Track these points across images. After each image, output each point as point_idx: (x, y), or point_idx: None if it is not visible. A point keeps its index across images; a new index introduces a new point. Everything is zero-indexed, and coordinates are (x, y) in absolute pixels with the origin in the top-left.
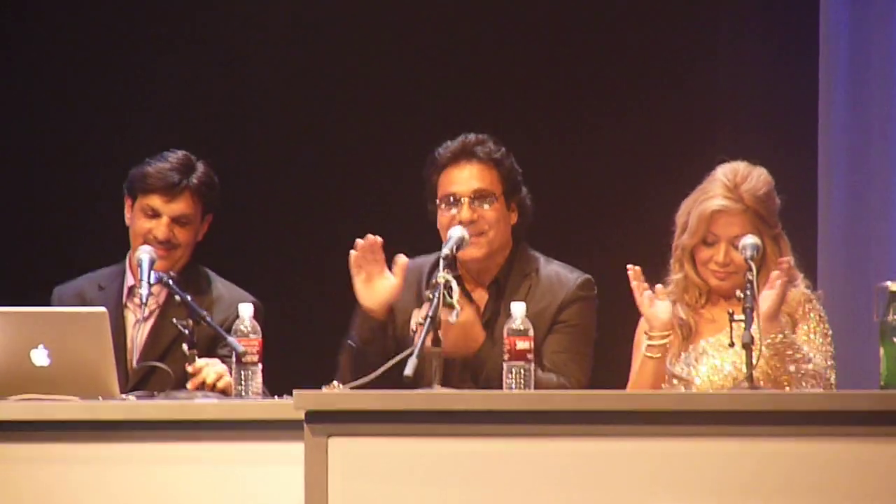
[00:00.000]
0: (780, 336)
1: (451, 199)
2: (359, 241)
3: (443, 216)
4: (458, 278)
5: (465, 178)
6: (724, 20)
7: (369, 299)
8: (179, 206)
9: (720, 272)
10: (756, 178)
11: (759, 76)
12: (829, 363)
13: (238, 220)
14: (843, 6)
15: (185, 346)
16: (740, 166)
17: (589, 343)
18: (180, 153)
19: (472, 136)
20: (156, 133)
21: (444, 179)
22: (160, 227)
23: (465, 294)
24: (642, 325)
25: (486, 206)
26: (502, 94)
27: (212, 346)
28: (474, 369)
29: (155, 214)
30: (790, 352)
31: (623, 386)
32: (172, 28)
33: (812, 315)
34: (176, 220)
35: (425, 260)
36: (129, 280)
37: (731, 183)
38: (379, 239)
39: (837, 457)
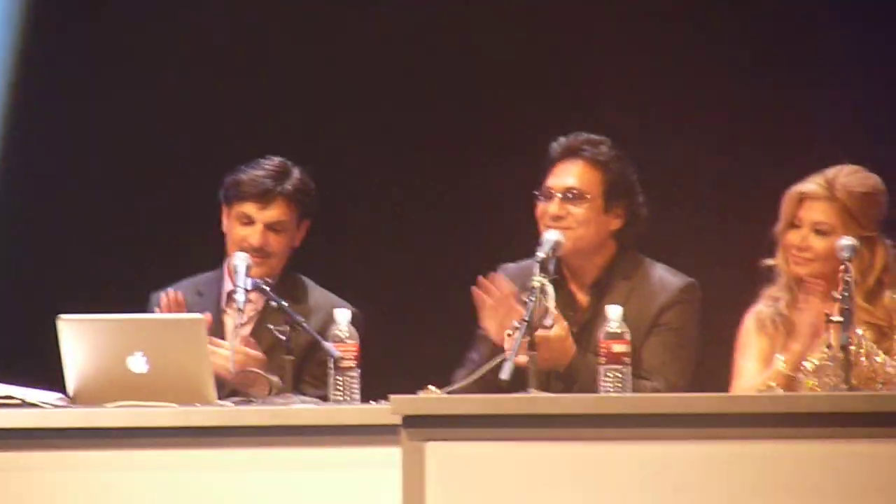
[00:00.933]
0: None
1: (548, 192)
2: (491, 288)
3: (538, 207)
4: (555, 282)
5: (563, 175)
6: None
7: (497, 334)
8: (273, 213)
9: (797, 257)
10: (859, 177)
11: (863, 77)
12: None
13: (335, 226)
14: None
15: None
16: (849, 166)
17: (689, 346)
18: (276, 160)
19: (583, 136)
20: (254, 139)
21: (549, 173)
22: (254, 234)
23: (569, 296)
24: (747, 324)
25: (577, 205)
26: (620, 96)
27: (309, 352)
28: (567, 380)
29: (249, 221)
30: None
31: (723, 389)
32: (271, 33)
33: None
34: (270, 227)
35: (528, 263)
36: (228, 285)
37: (830, 175)
38: (513, 289)
39: None
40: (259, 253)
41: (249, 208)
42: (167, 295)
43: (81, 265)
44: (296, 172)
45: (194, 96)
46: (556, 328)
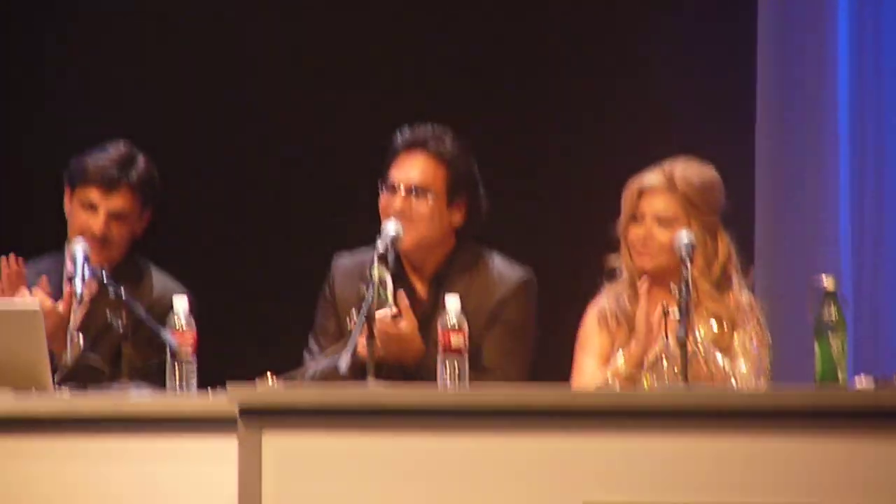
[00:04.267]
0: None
1: (392, 186)
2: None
3: (382, 201)
4: (395, 275)
5: (407, 168)
6: (662, 16)
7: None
8: (117, 202)
9: (642, 250)
10: (695, 169)
11: (697, 72)
12: (761, 371)
13: (177, 211)
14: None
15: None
16: (684, 159)
17: (527, 340)
18: (121, 145)
19: (429, 128)
20: (99, 121)
21: (393, 166)
22: (97, 222)
23: (408, 288)
24: (588, 320)
25: (421, 201)
26: (466, 86)
27: (147, 339)
28: (416, 377)
29: (92, 207)
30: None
31: (562, 380)
32: (122, 17)
33: (752, 321)
34: (114, 216)
35: (366, 254)
36: (69, 268)
37: (667, 168)
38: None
39: (773, 452)
40: (100, 240)
41: (94, 195)
42: (6, 260)
43: None
44: (141, 160)
45: (41, 73)
46: (406, 323)
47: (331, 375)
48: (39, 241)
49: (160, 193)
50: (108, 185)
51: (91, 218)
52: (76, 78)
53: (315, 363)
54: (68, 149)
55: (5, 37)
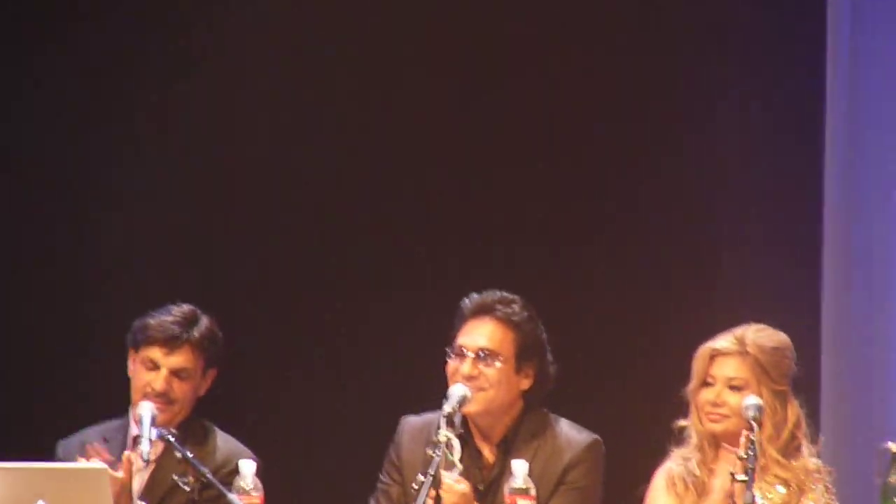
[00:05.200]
0: None
1: (460, 350)
2: None
3: (449, 365)
4: (461, 436)
5: (476, 334)
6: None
7: None
8: (179, 360)
9: (712, 413)
10: (767, 333)
11: (761, 232)
12: None
13: (240, 374)
14: (843, 84)
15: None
16: (756, 324)
17: (593, 503)
18: (185, 307)
19: (497, 294)
20: (162, 286)
21: (461, 331)
22: (159, 380)
23: (475, 452)
24: (656, 483)
25: (489, 366)
26: (532, 246)
27: (214, 501)
28: None
29: (154, 366)
30: None
31: None
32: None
33: (819, 486)
34: (175, 373)
35: (434, 417)
36: (133, 430)
37: (739, 331)
38: None
39: None
40: (162, 398)
41: (155, 353)
42: (92, 449)
43: None
44: (204, 320)
45: (106, 237)
46: (463, 485)
47: None
48: (102, 408)
49: (224, 353)
50: (170, 343)
51: (153, 376)
52: (136, 240)
53: None
54: (130, 313)
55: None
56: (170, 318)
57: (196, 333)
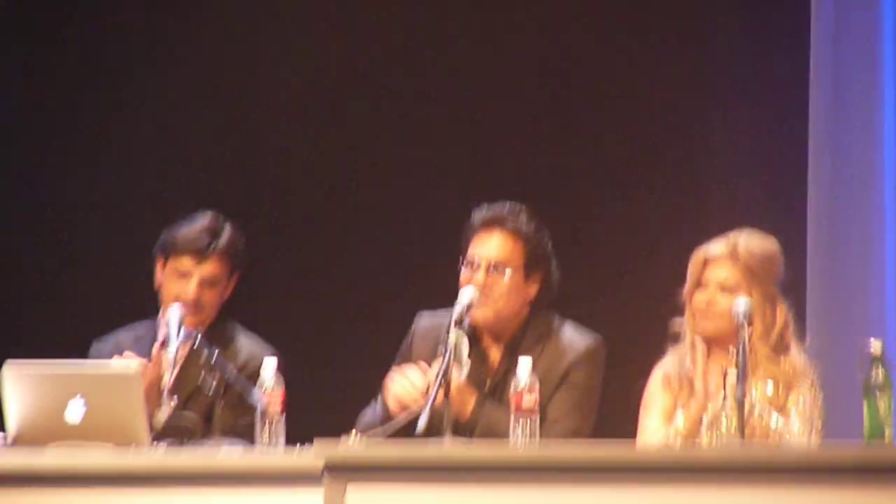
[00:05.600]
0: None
1: (473, 262)
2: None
3: (463, 276)
4: (471, 337)
5: (486, 245)
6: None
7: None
8: (208, 269)
9: (705, 313)
10: (757, 240)
11: (750, 141)
12: (813, 429)
13: (262, 275)
14: (827, 68)
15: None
16: (748, 231)
17: (592, 401)
18: (209, 215)
19: (506, 206)
20: (184, 192)
21: (473, 243)
22: (189, 288)
23: (482, 351)
24: (653, 381)
25: (500, 276)
26: (536, 161)
27: (238, 398)
28: (470, 429)
29: (185, 275)
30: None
31: (628, 437)
32: (197, 87)
33: (805, 383)
34: (205, 282)
35: (444, 319)
36: (163, 331)
37: (731, 237)
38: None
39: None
40: (192, 306)
41: (185, 263)
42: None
43: (26, 315)
44: (228, 228)
45: (133, 149)
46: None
47: (404, 431)
48: (133, 311)
49: (246, 259)
50: (200, 253)
51: (184, 285)
52: (163, 151)
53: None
54: (154, 221)
55: (90, 114)
56: (198, 228)
57: (223, 242)
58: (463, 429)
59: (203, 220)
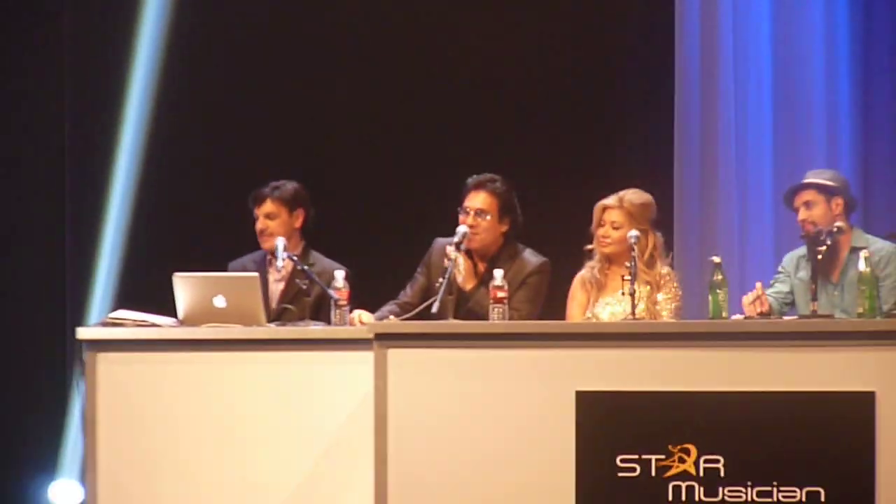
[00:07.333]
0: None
1: (466, 210)
2: None
3: (461, 218)
4: (465, 256)
5: (475, 200)
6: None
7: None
8: (266, 208)
9: (603, 241)
10: (637, 195)
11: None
12: (675, 313)
13: (333, 215)
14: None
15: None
16: (633, 189)
17: (540, 296)
18: (284, 181)
19: (488, 175)
20: (273, 157)
21: (467, 198)
22: (259, 224)
23: (472, 265)
24: (575, 283)
25: (483, 219)
26: (509, 141)
27: (320, 296)
28: (466, 302)
29: (257, 216)
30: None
31: (560, 318)
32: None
33: (670, 284)
34: (267, 217)
35: (449, 240)
36: (275, 253)
37: (620, 194)
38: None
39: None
40: (261, 234)
41: (257, 208)
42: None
43: (193, 242)
44: (290, 185)
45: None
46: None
47: (422, 314)
48: (250, 242)
49: (303, 200)
50: (260, 198)
51: (259, 223)
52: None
53: (408, 304)
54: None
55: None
56: (268, 188)
57: (277, 193)
58: (460, 313)
59: (274, 182)
